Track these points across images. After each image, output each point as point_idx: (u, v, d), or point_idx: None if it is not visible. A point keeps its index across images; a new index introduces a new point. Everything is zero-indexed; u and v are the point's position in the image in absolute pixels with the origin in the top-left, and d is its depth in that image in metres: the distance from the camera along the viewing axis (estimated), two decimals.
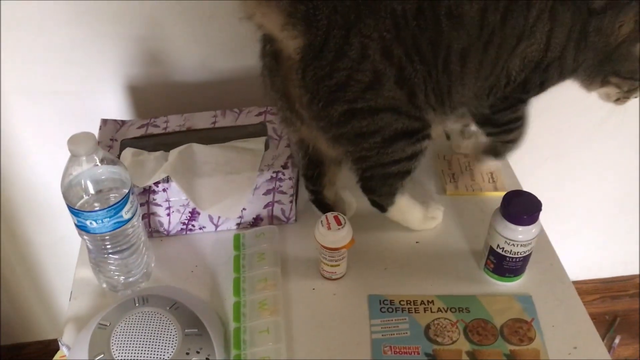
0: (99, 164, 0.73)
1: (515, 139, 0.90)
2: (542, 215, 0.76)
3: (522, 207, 0.76)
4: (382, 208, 0.87)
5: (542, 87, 0.83)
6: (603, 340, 1.54)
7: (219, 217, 0.89)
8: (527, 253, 0.78)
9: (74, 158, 0.71)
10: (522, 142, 0.92)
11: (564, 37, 0.77)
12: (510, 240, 0.76)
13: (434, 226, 0.91)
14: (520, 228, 0.75)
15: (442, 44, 0.72)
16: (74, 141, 0.70)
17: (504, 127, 0.88)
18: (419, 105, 0.76)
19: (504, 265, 0.79)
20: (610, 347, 1.54)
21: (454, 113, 0.83)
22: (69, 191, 0.73)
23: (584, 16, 0.78)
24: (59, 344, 0.77)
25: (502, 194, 0.79)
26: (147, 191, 0.85)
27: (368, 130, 0.75)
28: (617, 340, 1.55)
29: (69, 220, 0.76)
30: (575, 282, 0.83)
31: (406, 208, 0.88)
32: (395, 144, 0.78)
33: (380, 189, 0.84)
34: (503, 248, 0.78)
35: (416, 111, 0.77)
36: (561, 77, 0.83)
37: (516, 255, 0.78)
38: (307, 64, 0.70)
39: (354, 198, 0.92)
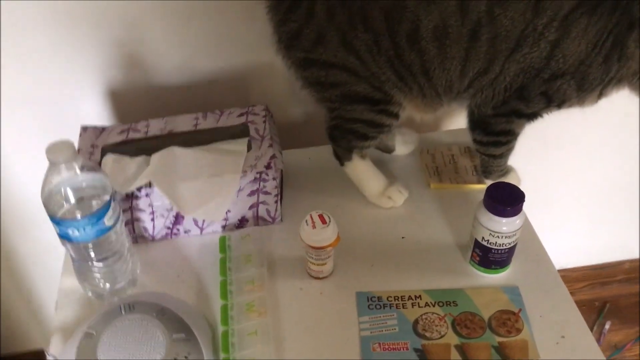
0: (79, 172, 0.72)
1: (500, 156, 0.89)
2: (529, 204, 0.77)
3: (505, 198, 0.76)
4: (340, 160, 0.93)
5: (549, 100, 0.79)
6: (593, 326, 1.56)
7: (204, 220, 0.89)
8: (512, 244, 0.79)
9: (53, 166, 0.70)
10: (507, 161, 0.91)
11: (581, 51, 0.73)
12: (494, 232, 0.77)
13: (389, 207, 0.93)
14: (504, 220, 0.76)
15: (405, 17, 0.73)
16: (52, 149, 0.69)
17: (495, 137, 0.86)
18: (378, 75, 0.80)
19: (490, 257, 0.80)
20: (600, 333, 1.55)
21: (440, 99, 0.83)
22: (50, 200, 0.72)
23: (623, 29, 0.72)
24: (46, 355, 0.76)
25: (485, 186, 0.79)
26: (130, 197, 0.84)
27: (326, 81, 0.83)
28: (607, 326, 1.56)
29: (54, 229, 0.75)
30: (564, 270, 0.84)
31: (363, 172, 0.93)
32: (355, 105, 0.84)
33: (339, 140, 0.90)
34: (488, 240, 0.78)
35: (376, 81, 0.81)
36: (582, 91, 0.78)
37: (501, 247, 0.78)
38: (271, 8, 0.81)
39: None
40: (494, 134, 0.86)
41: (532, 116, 0.83)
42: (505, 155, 0.90)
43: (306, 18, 0.77)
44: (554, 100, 0.80)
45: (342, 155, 0.92)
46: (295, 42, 0.80)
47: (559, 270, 0.83)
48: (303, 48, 0.80)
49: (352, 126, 0.87)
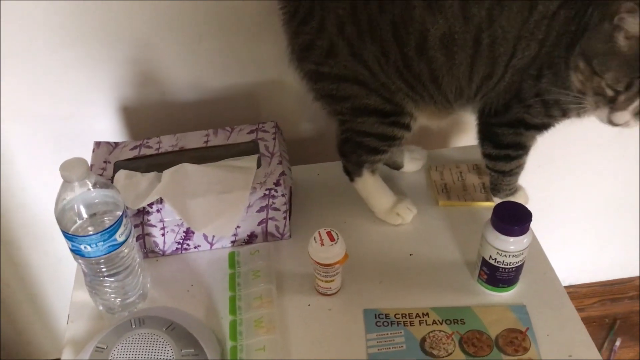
0: (92, 188, 0.73)
1: (509, 173, 0.89)
2: (538, 221, 0.76)
3: (512, 218, 0.76)
4: (350, 176, 0.93)
5: (545, 104, 0.78)
6: (604, 343, 1.55)
7: (214, 236, 0.90)
8: (519, 263, 0.79)
9: (66, 184, 0.72)
10: (517, 180, 0.91)
11: (554, 43, 0.74)
12: (502, 251, 0.77)
13: (397, 224, 0.93)
14: (511, 239, 0.76)
15: (414, 29, 0.75)
16: (66, 167, 0.71)
17: (505, 150, 0.86)
18: (388, 86, 0.81)
19: (497, 275, 0.80)
20: (611, 350, 1.54)
21: (451, 105, 0.84)
22: (63, 216, 0.74)
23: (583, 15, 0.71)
24: None
25: (494, 204, 0.79)
26: (142, 212, 0.86)
27: (337, 94, 0.84)
28: (617, 343, 1.55)
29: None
30: (574, 286, 0.83)
31: (372, 188, 0.93)
32: (365, 117, 0.85)
33: (350, 154, 0.91)
34: (495, 259, 0.78)
35: (387, 92, 0.82)
36: (564, 89, 0.75)
37: (509, 266, 0.78)
38: (285, 22, 0.83)
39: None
40: (504, 146, 0.86)
41: (541, 127, 0.83)
42: (514, 172, 0.90)
43: (318, 30, 0.79)
44: (549, 102, 0.78)
45: (352, 171, 0.93)
46: (306, 54, 0.82)
47: (569, 287, 0.83)
48: (314, 61, 0.82)
49: (362, 140, 0.88)
